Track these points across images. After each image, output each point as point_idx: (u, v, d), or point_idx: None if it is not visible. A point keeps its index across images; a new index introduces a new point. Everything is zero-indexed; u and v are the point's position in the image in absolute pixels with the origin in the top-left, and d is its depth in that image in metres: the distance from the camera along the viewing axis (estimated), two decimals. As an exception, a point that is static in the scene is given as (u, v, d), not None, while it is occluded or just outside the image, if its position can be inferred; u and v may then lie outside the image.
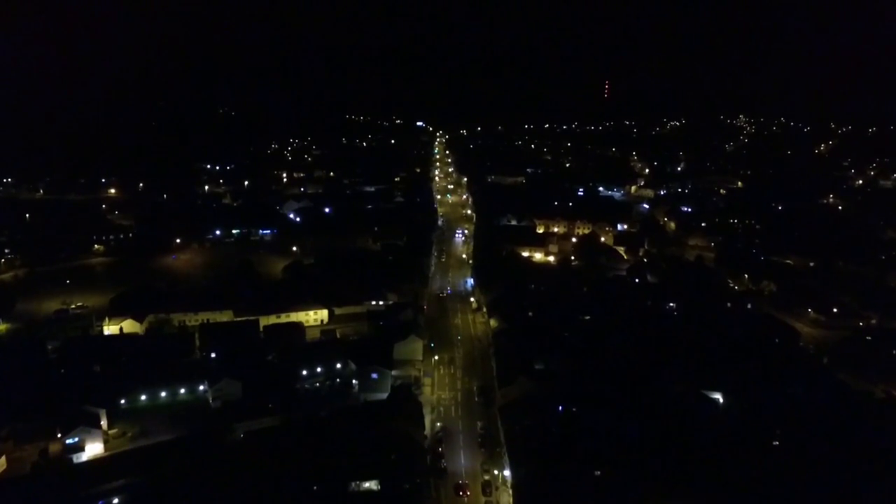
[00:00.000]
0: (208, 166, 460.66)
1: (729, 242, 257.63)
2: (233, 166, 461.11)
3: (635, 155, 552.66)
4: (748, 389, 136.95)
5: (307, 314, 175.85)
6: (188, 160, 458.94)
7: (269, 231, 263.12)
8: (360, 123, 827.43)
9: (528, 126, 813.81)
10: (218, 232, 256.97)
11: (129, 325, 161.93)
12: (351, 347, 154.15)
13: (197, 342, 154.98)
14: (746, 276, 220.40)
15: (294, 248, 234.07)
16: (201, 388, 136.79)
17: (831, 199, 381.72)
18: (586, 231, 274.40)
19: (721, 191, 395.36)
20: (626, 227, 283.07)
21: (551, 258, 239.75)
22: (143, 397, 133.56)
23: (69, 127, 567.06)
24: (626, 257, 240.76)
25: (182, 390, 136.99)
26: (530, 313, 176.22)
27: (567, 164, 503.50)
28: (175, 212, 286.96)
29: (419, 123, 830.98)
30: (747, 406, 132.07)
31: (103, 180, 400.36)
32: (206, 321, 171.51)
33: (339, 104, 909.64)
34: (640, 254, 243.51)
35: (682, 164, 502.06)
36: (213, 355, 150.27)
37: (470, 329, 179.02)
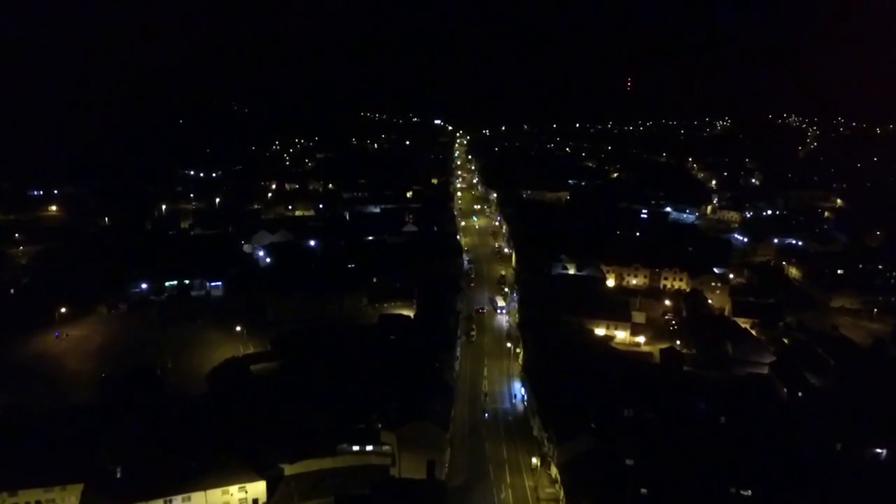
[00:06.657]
0: (191, 172, 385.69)
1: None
2: (219, 173, 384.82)
3: (692, 162, 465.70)
4: None
5: (228, 492, 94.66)
6: (175, 166, 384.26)
7: (219, 283, 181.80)
8: (373, 121, 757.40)
9: (556, 125, 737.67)
10: (144, 285, 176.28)
11: None
12: None
13: None
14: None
15: (238, 328, 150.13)
16: None
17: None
18: (682, 285, 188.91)
19: (825, 213, 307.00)
20: (731, 275, 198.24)
21: (640, 339, 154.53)
22: None
23: (42, 126, 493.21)
24: (755, 335, 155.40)
25: None
26: (644, 490, 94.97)
27: (615, 175, 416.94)
28: (95, 247, 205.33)
29: (437, 121, 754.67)
30: None
31: (56, 192, 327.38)
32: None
33: (353, 100, 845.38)
34: (779, 329, 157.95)
35: (755, 176, 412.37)
36: None
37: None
